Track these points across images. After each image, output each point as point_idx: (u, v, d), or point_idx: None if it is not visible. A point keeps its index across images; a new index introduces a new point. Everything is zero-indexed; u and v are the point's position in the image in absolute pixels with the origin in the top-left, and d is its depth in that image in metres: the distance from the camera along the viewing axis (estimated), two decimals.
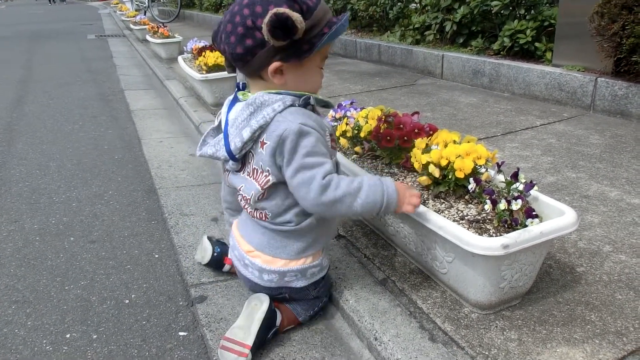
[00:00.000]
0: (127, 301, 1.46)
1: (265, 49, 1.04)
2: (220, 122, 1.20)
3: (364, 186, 1.09)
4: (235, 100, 1.17)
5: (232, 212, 1.40)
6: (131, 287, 1.53)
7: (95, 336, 1.31)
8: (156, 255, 1.70)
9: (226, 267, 1.50)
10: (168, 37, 5.65)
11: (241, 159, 1.15)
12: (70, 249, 1.76)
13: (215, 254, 1.49)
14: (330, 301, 1.37)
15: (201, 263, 1.53)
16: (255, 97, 1.09)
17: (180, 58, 3.87)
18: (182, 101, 3.54)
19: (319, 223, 1.19)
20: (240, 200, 1.23)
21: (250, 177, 1.14)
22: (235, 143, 1.10)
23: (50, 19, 13.52)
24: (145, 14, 9.94)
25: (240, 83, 1.18)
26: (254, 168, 1.13)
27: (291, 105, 1.10)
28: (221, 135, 1.15)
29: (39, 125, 3.35)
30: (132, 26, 8.06)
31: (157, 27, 5.92)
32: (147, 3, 10.57)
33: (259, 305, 1.21)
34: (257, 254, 1.21)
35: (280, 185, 1.12)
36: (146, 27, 6.93)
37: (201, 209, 1.98)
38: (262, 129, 1.08)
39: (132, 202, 2.13)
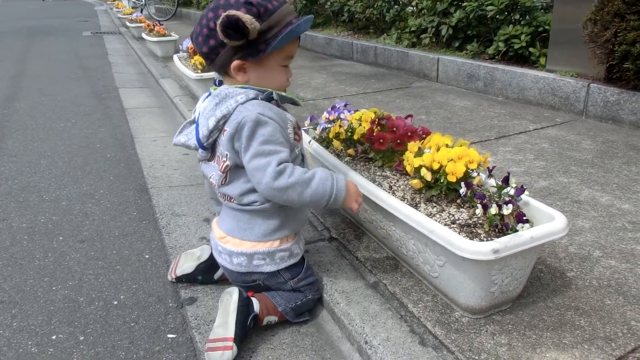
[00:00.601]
0: (115, 302, 1.44)
1: (226, 48, 1.14)
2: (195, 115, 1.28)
3: (315, 177, 1.15)
4: (209, 94, 1.26)
5: (216, 202, 1.42)
6: (120, 288, 1.51)
7: (82, 338, 1.30)
8: (146, 256, 1.69)
9: (218, 274, 1.46)
10: (164, 35, 5.63)
11: (210, 148, 1.24)
12: (59, 248, 1.74)
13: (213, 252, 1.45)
14: (320, 303, 1.36)
15: (189, 271, 1.46)
16: (221, 90, 1.19)
17: (175, 57, 3.85)
18: (176, 100, 3.53)
19: (284, 206, 1.23)
20: (213, 188, 1.30)
21: (216, 164, 1.24)
22: (203, 131, 1.19)
23: (45, 15, 13.44)
24: (141, 12, 9.89)
25: (217, 80, 1.28)
26: (218, 155, 1.22)
27: (254, 99, 1.18)
28: (194, 126, 1.25)
29: (30, 122, 3.32)
30: (128, 24, 8.02)
31: (154, 25, 5.90)
32: (143, 1, 10.53)
33: (230, 298, 1.23)
34: (228, 239, 1.27)
35: (240, 168, 1.20)
36: (142, 24, 6.90)
37: (193, 209, 1.97)
38: (225, 118, 1.17)
39: (123, 201, 2.11)
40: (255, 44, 1.13)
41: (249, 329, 1.22)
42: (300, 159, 1.29)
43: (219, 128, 1.18)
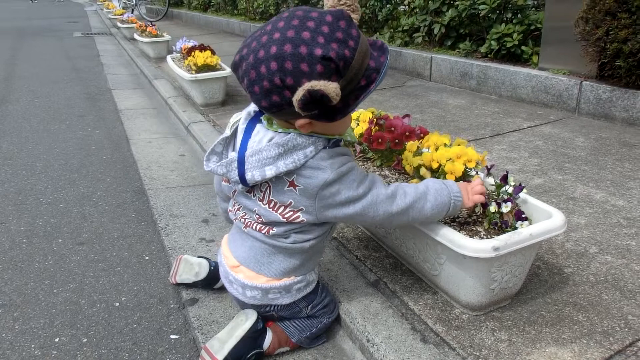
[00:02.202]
0: (117, 304, 1.45)
1: (293, 107, 0.92)
2: (232, 135, 1.13)
3: (430, 190, 1.09)
4: (257, 121, 1.08)
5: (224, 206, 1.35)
6: (121, 289, 1.52)
7: (85, 340, 1.30)
8: (146, 257, 1.69)
9: (218, 284, 1.44)
10: (156, 36, 5.61)
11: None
12: (59, 251, 1.74)
13: (212, 268, 1.43)
14: (337, 321, 1.29)
15: (188, 282, 1.45)
16: (288, 139, 1.01)
17: (169, 58, 3.84)
18: (170, 101, 3.52)
19: (311, 248, 1.14)
20: (235, 213, 1.20)
21: (266, 206, 1.09)
22: (254, 175, 1.03)
23: (33, 15, 13.32)
24: (132, 12, 9.84)
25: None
26: (271, 200, 1.08)
27: (323, 149, 1.04)
28: (234, 156, 1.06)
29: (24, 124, 3.30)
30: (119, 24, 7.98)
31: (146, 26, 5.87)
32: (134, 1, 10.48)
33: (243, 322, 1.17)
34: (241, 269, 1.17)
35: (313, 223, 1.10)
36: (134, 25, 6.87)
37: (191, 210, 1.97)
38: (290, 172, 1.03)
39: (121, 203, 2.11)
40: (332, 106, 0.92)
41: (254, 354, 1.16)
42: None
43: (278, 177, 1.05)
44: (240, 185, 1.09)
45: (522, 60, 3.36)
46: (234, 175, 1.06)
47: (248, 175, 1.04)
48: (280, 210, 1.08)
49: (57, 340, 1.30)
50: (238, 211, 1.19)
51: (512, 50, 3.37)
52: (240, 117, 1.12)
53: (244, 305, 1.22)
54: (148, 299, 1.47)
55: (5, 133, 3.11)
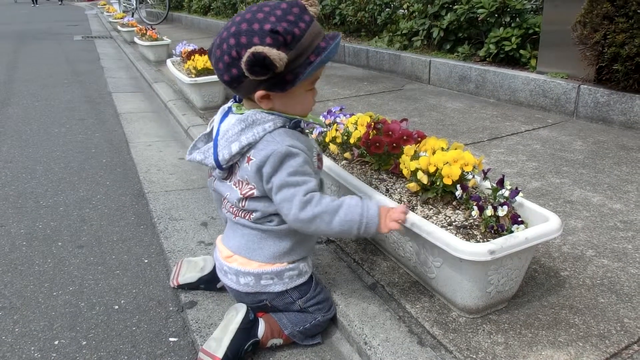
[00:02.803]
0: (116, 307, 1.46)
1: (249, 79, 1.06)
2: (212, 129, 1.23)
3: (343, 205, 1.11)
4: (230, 111, 1.21)
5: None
6: (120, 292, 1.52)
7: (84, 342, 1.31)
8: (145, 260, 1.70)
9: (220, 283, 1.42)
10: (156, 39, 5.62)
11: (228, 169, 1.19)
12: (58, 254, 1.74)
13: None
14: (334, 323, 1.31)
15: (192, 280, 1.46)
16: (248, 115, 1.13)
17: (169, 61, 3.86)
18: (170, 104, 3.53)
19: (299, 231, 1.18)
20: (224, 207, 1.27)
21: (235, 187, 1.18)
22: (224, 154, 1.14)
23: (34, 19, 13.36)
24: (132, 16, 9.86)
25: (237, 96, 1.22)
26: (239, 179, 1.17)
27: (282, 127, 1.14)
28: (211, 144, 1.18)
29: (24, 127, 3.32)
30: (119, 28, 8.00)
31: (146, 30, 5.89)
32: (134, 5, 10.51)
33: (234, 316, 1.20)
34: (234, 258, 1.23)
35: (263, 195, 1.16)
36: (134, 29, 6.89)
37: (190, 214, 1.98)
38: (250, 145, 1.12)
39: (120, 206, 2.12)
40: (282, 75, 1.05)
41: (243, 352, 1.18)
42: (320, 185, 1.26)
43: (242, 153, 1.14)
44: (217, 171, 1.20)
45: (520, 64, 3.37)
46: (210, 160, 1.17)
47: (220, 157, 1.14)
48: (240, 187, 1.17)
49: (56, 343, 1.31)
50: (227, 204, 1.25)
51: (511, 54, 3.38)
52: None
53: (239, 297, 1.26)
54: (147, 302, 1.47)
55: (6, 136, 3.12)
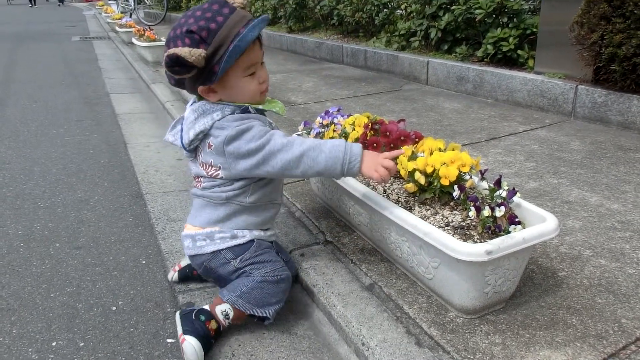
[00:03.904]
0: (114, 308, 1.45)
1: (186, 79, 1.17)
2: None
3: (328, 143, 1.18)
4: (195, 99, 1.32)
5: None
6: (118, 293, 1.52)
7: (82, 344, 1.31)
8: (143, 262, 1.70)
9: None
10: (154, 40, 5.62)
11: (193, 150, 1.30)
12: (56, 255, 1.74)
13: None
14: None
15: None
16: (199, 105, 1.25)
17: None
18: (168, 105, 3.53)
19: (233, 202, 1.28)
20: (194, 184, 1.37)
21: (201, 167, 1.30)
22: (185, 139, 1.26)
23: (32, 20, 13.34)
24: (130, 17, 9.86)
25: None
26: (202, 162, 1.28)
27: (230, 114, 1.22)
28: (179, 127, 1.32)
29: (22, 128, 3.31)
30: (117, 28, 7.99)
31: (144, 30, 5.89)
32: (132, 5, 10.50)
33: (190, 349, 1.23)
34: (185, 225, 1.37)
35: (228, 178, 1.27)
36: (132, 30, 6.89)
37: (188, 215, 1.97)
38: (203, 133, 1.23)
39: (118, 207, 2.12)
40: (207, 69, 1.14)
41: (197, 321, 1.22)
42: None
43: (199, 139, 1.24)
44: (185, 152, 1.31)
45: (518, 65, 3.38)
46: (179, 142, 1.30)
47: (184, 140, 1.26)
48: (206, 169, 1.28)
49: (54, 344, 1.31)
50: (194, 181, 1.36)
51: (508, 55, 3.39)
52: None
53: (192, 263, 1.37)
54: (144, 303, 1.47)
55: (3, 137, 3.11)
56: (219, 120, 1.21)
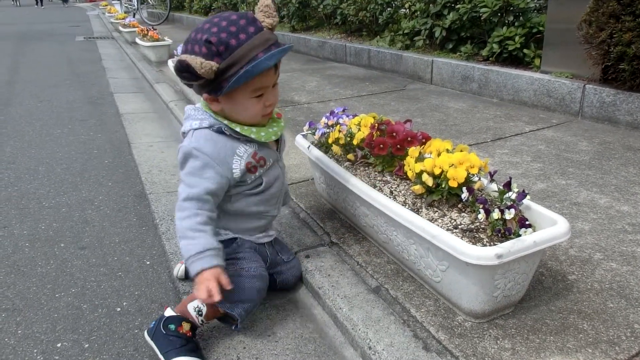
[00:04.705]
0: (118, 309, 1.44)
1: (195, 83, 1.17)
2: None
3: (188, 238, 1.17)
4: None
5: None
6: (123, 294, 1.51)
7: (87, 345, 1.30)
8: (148, 262, 1.69)
9: None
10: (158, 40, 5.62)
11: None
12: (61, 255, 1.73)
13: None
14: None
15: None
16: (188, 109, 1.29)
17: (170, 61, 3.85)
18: (172, 105, 3.52)
19: (222, 210, 1.30)
20: None
21: None
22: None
23: (37, 20, 13.37)
24: (134, 16, 9.86)
25: None
26: None
27: (207, 128, 1.23)
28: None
29: (27, 128, 3.31)
30: (121, 28, 8.00)
31: (147, 30, 5.88)
32: (136, 5, 10.50)
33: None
34: None
35: None
36: (136, 29, 6.89)
37: None
38: (184, 134, 1.27)
39: (122, 207, 2.11)
40: (216, 82, 1.13)
41: (170, 334, 1.20)
42: (259, 182, 1.30)
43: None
44: None
45: (524, 64, 3.35)
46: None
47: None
48: None
49: (59, 345, 1.30)
50: None
51: (514, 54, 3.36)
52: None
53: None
54: (149, 304, 1.46)
55: (8, 137, 3.11)
56: (195, 129, 1.24)
